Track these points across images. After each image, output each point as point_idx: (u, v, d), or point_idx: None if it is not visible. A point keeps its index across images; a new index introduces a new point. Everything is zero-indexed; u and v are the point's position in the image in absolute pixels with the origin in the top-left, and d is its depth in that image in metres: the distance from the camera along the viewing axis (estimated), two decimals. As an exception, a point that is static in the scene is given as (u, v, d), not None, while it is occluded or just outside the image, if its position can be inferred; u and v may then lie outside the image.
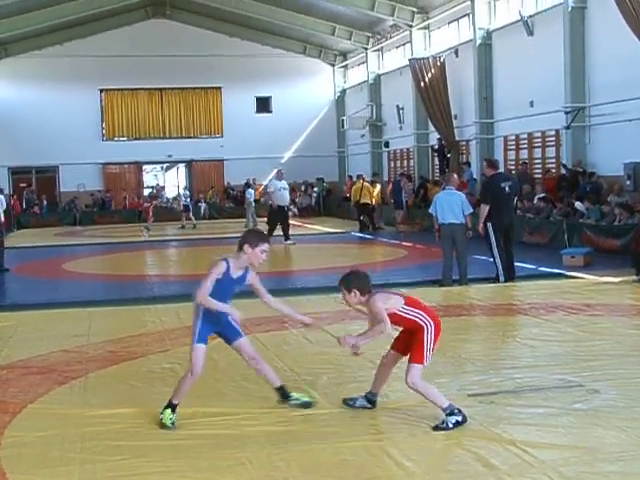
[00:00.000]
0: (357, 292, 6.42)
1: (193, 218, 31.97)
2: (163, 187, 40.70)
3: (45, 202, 36.94)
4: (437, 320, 6.45)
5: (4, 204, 33.93)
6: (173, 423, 6.36)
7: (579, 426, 6.07)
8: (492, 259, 13.86)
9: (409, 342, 6.39)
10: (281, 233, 22.81)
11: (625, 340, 9.00)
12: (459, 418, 6.09)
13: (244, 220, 31.98)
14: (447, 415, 6.10)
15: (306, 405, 6.76)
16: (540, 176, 23.90)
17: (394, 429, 6.12)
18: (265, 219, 24.26)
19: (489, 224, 13.67)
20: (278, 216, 22.93)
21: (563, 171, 21.86)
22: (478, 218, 13.77)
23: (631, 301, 11.95)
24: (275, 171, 25.01)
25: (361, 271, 6.71)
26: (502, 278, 13.67)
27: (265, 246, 6.71)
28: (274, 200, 23.00)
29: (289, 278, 15.31)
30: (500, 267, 13.69)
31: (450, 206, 13.62)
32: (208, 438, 6.04)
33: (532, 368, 7.87)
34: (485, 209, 13.69)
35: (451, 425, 6.03)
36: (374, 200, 27.93)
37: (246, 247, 6.61)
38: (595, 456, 5.39)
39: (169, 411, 6.44)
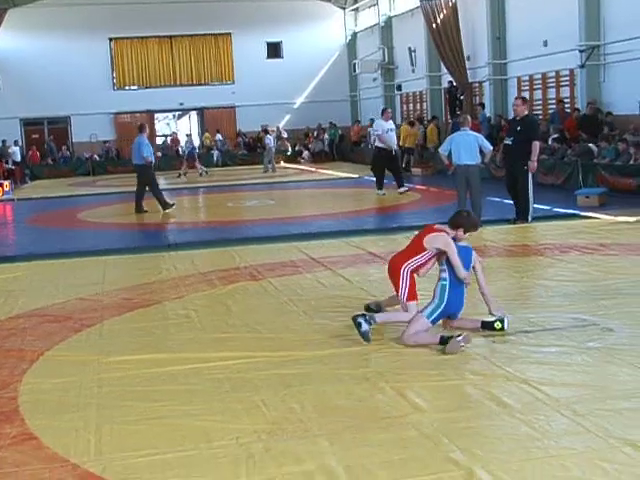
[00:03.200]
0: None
1: (200, 166, 31.63)
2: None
3: (68, 152, 36.84)
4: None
5: (18, 156, 34.21)
6: None
7: (593, 364, 6.08)
8: (515, 199, 13.70)
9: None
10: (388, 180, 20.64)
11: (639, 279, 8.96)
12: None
13: (260, 167, 31.98)
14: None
15: None
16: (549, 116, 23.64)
17: (408, 370, 6.15)
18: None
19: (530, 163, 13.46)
20: (386, 161, 20.14)
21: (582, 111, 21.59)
22: (528, 155, 13.29)
23: (646, 240, 11.89)
24: (381, 111, 22.05)
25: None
26: (530, 218, 13.60)
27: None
28: (384, 143, 20.02)
29: (303, 223, 15.29)
30: (532, 207, 13.62)
31: (466, 147, 13.54)
32: (222, 382, 6.08)
33: (546, 308, 7.87)
34: (537, 146, 13.50)
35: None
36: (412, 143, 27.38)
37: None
38: (608, 393, 5.40)
39: None
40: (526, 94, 25.12)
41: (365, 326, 6.76)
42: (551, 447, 4.61)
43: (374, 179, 20.57)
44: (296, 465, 4.55)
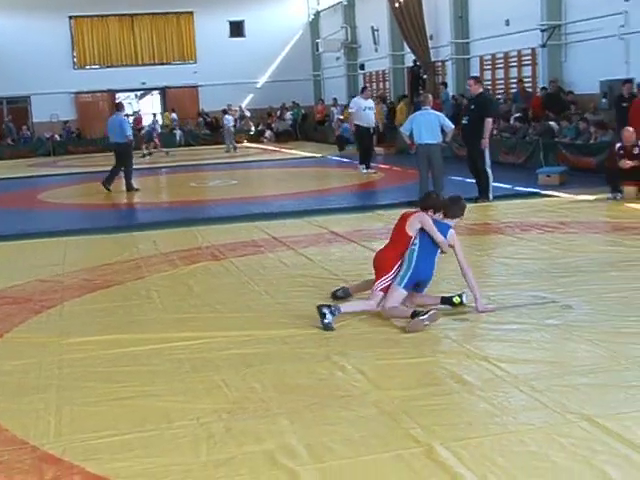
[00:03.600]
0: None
1: (159, 145, 31.47)
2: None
3: (28, 132, 36.35)
4: None
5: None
6: None
7: (551, 341, 6.16)
8: (477, 177, 13.81)
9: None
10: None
11: (599, 257, 9.06)
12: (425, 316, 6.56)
13: (222, 146, 31.89)
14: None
15: None
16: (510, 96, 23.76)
17: (369, 349, 6.17)
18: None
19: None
20: (366, 138, 19.97)
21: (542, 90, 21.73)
22: (482, 133, 13.48)
23: (605, 218, 12.04)
24: (361, 88, 22.17)
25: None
26: (491, 196, 13.70)
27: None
28: (357, 121, 19.99)
29: (265, 202, 15.27)
30: (490, 185, 13.73)
31: (427, 126, 13.59)
32: (184, 362, 6.07)
33: (506, 286, 7.94)
34: (490, 123, 13.60)
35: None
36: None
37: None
38: (566, 369, 5.47)
39: None
40: (488, 73, 25.28)
41: (329, 317, 6.72)
42: (509, 423, 4.66)
43: (339, 158, 20.60)
44: (257, 444, 4.56)
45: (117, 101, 24.02)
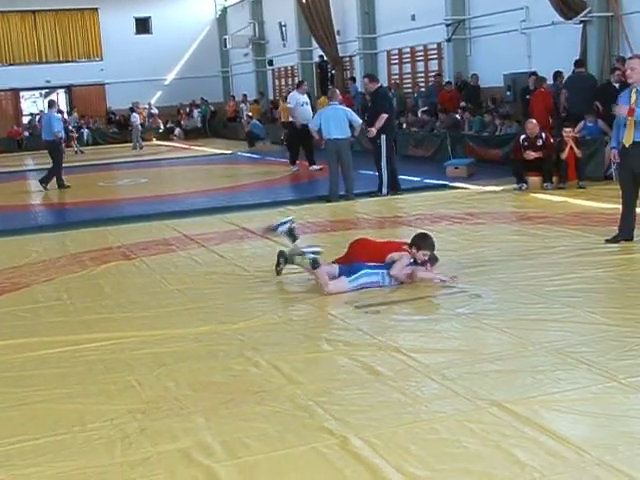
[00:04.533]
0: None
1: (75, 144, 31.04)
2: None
3: None
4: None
5: None
6: None
7: (462, 330, 6.28)
8: (378, 172, 14.01)
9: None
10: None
11: (506, 246, 9.25)
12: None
13: (129, 144, 31.57)
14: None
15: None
16: (424, 90, 24.11)
17: (282, 344, 6.19)
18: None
19: (383, 136, 13.78)
20: (300, 137, 18.82)
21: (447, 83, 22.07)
22: (383, 128, 13.78)
23: (512, 209, 12.31)
24: (297, 82, 20.92)
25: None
26: (385, 190, 13.87)
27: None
28: (295, 118, 19.03)
29: (176, 200, 15.15)
30: (386, 180, 13.88)
31: (336, 121, 13.69)
32: (96, 363, 5.99)
33: (414, 277, 8.05)
34: (384, 119, 13.75)
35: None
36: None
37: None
38: (476, 357, 5.58)
39: None
40: (395, 68, 25.55)
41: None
42: (422, 412, 4.74)
43: (249, 155, 20.48)
44: (172, 443, 4.54)
45: (48, 98, 23.67)
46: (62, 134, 18.78)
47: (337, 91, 15.00)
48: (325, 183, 14.33)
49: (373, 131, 13.78)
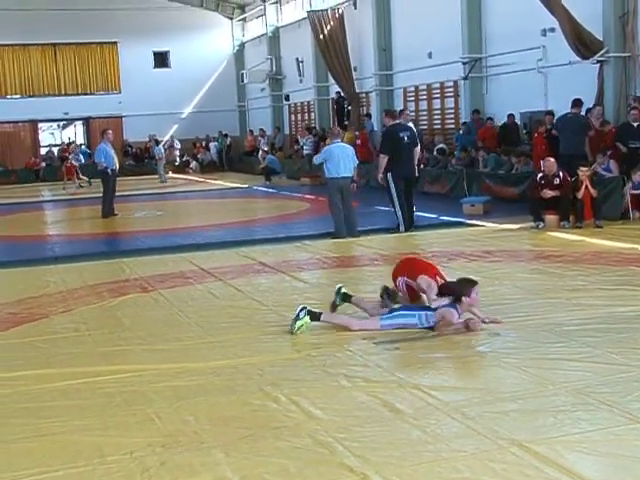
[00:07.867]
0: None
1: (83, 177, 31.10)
2: (79, 144, 39.04)
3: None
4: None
5: None
6: None
7: (481, 368, 6.26)
8: (393, 209, 14.05)
9: None
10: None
11: (523, 284, 9.25)
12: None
13: (148, 177, 31.84)
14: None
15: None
16: (439, 127, 24.20)
17: (301, 380, 6.18)
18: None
19: (389, 174, 13.86)
20: None
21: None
22: (390, 167, 13.88)
23: (529, 247, 12.29)
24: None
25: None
26: (402, 227, 13.88)
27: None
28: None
29: (192, 233, 15.20)
30: (400, 217, 13.90)
31: (346, 159, 13.75)
32: (115, 396, 6.00)
33: (435, 314, 8.03)
34: (384, 160, 13.85)
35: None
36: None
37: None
38: (496, 396, 5.56)
39: None
40: (412, 105, 25.64)
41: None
42: (443, 450, 4.72)
43: (265, 189, 20.56)
44: (192, 477, 4.53)
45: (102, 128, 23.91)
46: (104, 164, 18.83)
47: (338, 128, 15.23)
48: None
49: (380, 176, 13.93)
